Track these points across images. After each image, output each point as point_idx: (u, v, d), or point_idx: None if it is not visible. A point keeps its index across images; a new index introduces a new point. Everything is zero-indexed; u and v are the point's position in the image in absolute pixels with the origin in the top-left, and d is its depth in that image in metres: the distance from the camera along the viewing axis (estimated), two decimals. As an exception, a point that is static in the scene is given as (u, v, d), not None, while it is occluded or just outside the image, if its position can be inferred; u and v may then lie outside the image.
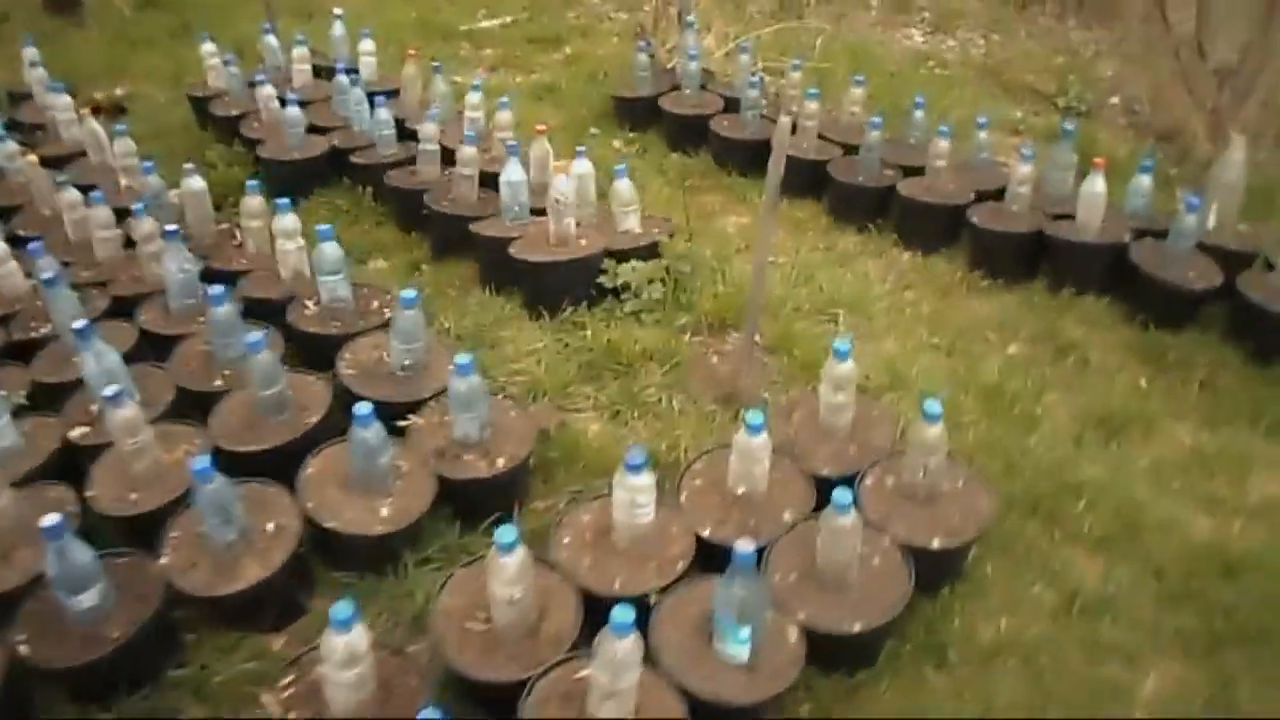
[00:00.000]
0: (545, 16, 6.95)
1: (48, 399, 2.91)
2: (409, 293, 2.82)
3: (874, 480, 2.57)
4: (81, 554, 2.16)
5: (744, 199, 4.50)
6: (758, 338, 3.23)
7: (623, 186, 3.67)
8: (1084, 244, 3.73)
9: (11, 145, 4.17)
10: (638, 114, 5.17)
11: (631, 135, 5.11)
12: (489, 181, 3.85)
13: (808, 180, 4.37)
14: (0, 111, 4.93)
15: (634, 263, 3.51)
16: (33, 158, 4.04)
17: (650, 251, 3.64)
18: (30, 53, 4.95)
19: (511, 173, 3.61)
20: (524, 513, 2.71)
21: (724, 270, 3.71)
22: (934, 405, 2.40)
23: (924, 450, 2.44)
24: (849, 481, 2.50)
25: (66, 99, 4.53)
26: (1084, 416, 3.16)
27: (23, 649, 2.17)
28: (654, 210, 3.96)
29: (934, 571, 2.43)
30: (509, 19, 6.84)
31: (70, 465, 2.66)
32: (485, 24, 6.75)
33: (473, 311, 3.55)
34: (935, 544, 2.40)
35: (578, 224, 3.58)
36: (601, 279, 3.50)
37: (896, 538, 2.40)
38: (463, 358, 2.55)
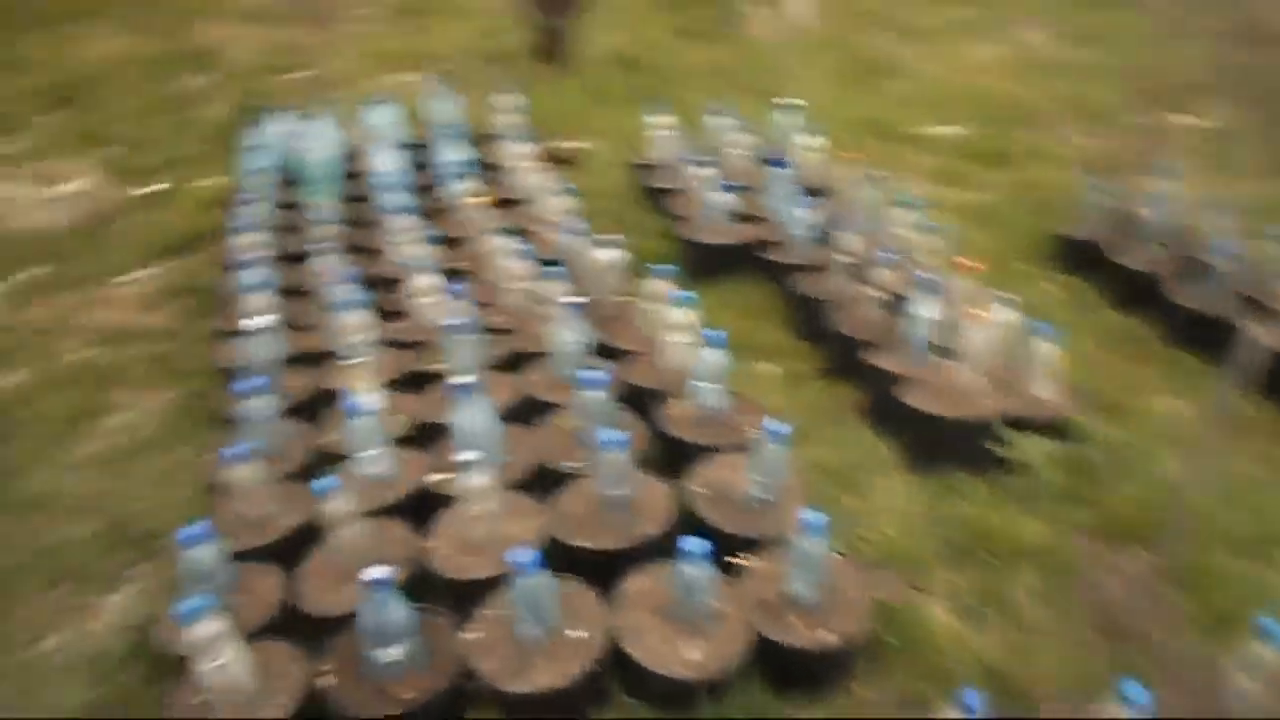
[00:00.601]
0: (997, 130, 6.55)
1: (428, 435, 3.04)
2: (779, 426, 2.62)
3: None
4: (396, 611, 2.18)
5: (1188, 382, 3.82)
6: (1165, 565, 2.70)
7: (1044, 348, 3.24)
8: None
9: (461, 185, 4.54)
10: (1078, 257, 4.64)
11: (1064, 279, 4.60)
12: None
13: (1268, 373, 3.64)
14: (471, 150, 5.42)
15: (1037, 437, 3.09)
16: (484, 199, 4.37)
17: (1059, 427, 3.19)
18: (502, 99, 5.41)
19: (920, 307, 3.32)
20: (843, 698, 2.41)
21: (1144, 467, 3.16)
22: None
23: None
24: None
25: (524, 148, 4.87)
26: None
27: (322, 681, 2.24)
28: (1073, 373, 3.46)
29: None
30: (961, 129, 6.52)
31: (428, 505, 2.75)
32: (935, 130, 6.49)
33: (845, 446, 3.28)
34: None
35: (983, 378, 3.22)
36: (996, 447, 3.11)
37: None
38: (813, 515, 2.31)
